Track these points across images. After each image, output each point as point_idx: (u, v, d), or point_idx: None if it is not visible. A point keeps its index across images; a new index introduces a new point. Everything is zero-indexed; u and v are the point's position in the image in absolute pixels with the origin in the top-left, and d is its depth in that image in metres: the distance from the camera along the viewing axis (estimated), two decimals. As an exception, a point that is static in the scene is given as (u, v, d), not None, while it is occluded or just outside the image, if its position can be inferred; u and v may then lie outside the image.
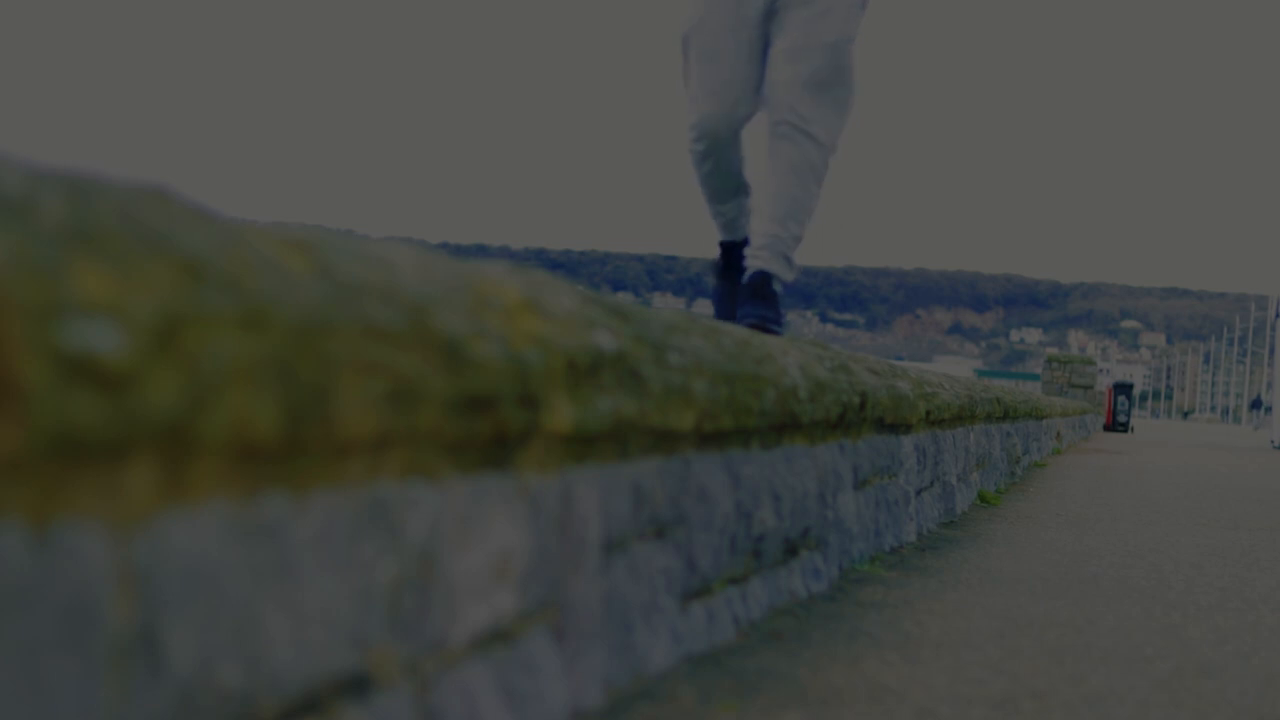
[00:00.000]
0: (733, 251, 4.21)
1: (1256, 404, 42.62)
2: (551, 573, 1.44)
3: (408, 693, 1.12)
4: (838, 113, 3.86)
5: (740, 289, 3.93)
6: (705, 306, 5.30)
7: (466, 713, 1.22)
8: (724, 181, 4.10)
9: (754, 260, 3.89)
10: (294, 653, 0.94)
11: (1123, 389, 24.82)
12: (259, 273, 0.89)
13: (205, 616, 0.84)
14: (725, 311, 4.10)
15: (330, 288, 0.98)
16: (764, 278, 3.86)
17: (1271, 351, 24.12)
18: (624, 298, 1.86)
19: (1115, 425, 24.09)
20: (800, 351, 2.74)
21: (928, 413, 4.11)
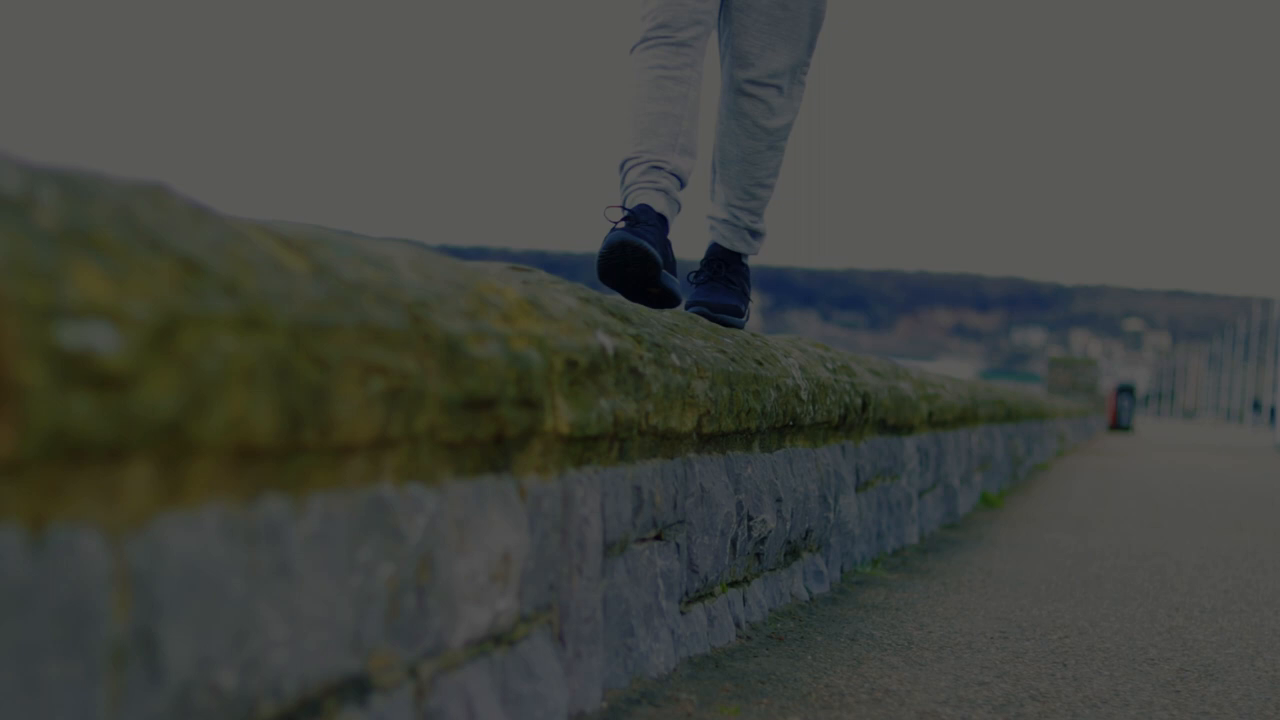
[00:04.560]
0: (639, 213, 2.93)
1: (1257, 406, 42.67)
2: (551, 575, 1.44)
3: (406, 696, 1.12)
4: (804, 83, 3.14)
5: (702, 268, 3.14)
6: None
7: (465, 716, 1.22)
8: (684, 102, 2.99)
9: (713, 234, 3.16)
10: (292, 655, 0.93)
11: (1125, 390, 25.03)
12: (258, 272, 0.89)
13: (203, 619, 0.84)
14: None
15: (329, 288, 0.97)
16: (724, 254, 3.12)
17: (1276, 353, 24.13)
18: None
19: (1118, 426, 24.28)
20: (802, 352, 2.74)
21: (930, 414, 4.10)
